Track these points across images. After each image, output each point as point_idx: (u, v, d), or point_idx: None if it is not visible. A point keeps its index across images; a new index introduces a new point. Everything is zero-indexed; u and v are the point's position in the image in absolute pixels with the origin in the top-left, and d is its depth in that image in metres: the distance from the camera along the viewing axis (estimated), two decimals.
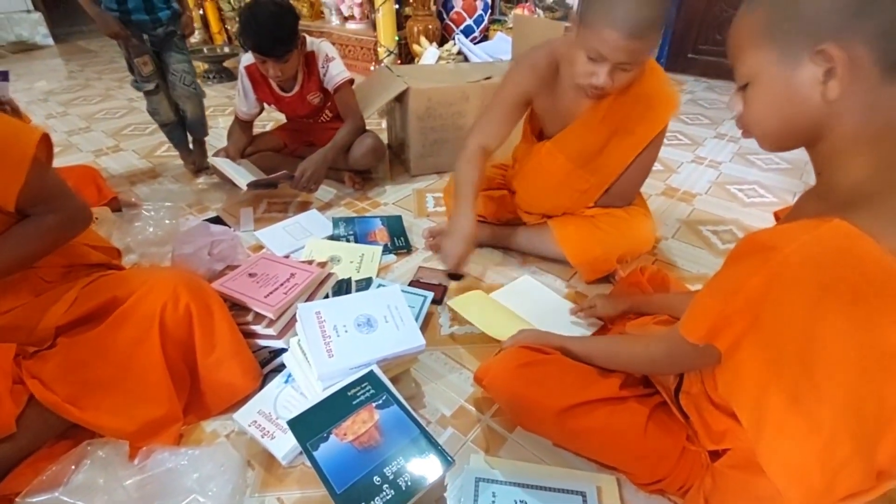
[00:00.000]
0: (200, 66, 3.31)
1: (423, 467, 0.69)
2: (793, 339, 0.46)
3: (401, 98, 1.84)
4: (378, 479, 0.67)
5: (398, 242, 1.45)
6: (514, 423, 0.90)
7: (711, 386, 0.69)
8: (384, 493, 0.65)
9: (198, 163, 1.95)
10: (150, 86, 1.76)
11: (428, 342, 1.10)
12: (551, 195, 1.28)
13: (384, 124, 2.27)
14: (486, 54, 2.83)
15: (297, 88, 1.68)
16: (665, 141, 2.05)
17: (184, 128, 1.91)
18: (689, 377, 0.75)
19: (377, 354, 0.87)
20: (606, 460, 0.80)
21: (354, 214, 1.66)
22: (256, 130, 1.92)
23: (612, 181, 1.22)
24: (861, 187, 0.46)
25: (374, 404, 0.78)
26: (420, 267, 1.36)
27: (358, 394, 0.79)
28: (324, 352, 0.86)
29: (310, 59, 1.63)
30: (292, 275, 1.09)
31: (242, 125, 1.80)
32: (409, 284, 1.27)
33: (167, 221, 1.45)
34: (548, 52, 1.13)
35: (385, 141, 2.19)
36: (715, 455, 0.72)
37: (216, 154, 1.73)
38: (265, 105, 1.79)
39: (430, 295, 1.20)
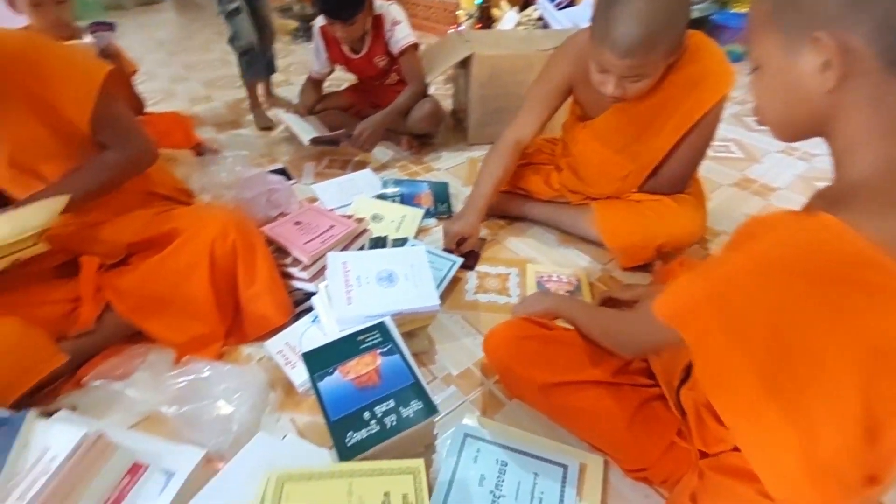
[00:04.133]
0: (290, 24, 3.49)
1: (410, 412, 0.75)
2: (765, 328, 0.45)
3: (465, 64, 1.84)
4: (368, 415, 0.74)
5: (440, 208, 1.49)
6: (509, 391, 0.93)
7: None
8: (370, 427, 0.72)
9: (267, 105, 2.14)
10: (234, 5, 1.81)
11: (450, 305, 1.16)
12: (592, 180, 1.25)
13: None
14: (568, 21, 2.68)
15: (364, 50, 1.73)
16: (755, 126, 1.88)
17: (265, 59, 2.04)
18: (696, 374, 0.73)
19: (391, 308, 0.93)
20: (590, 440, 0.81)
21: (406, 177, 1.71)
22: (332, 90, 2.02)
23: (652, 167, 1.16)
24: (862, 183, 0.43)
25: (378, 351, 0.84)
26: None
27: (367, 339, 0.86)
28: (344, 298, 0.94)
29: (377, 22, 1.67)
30: (332, 226, 1.18)
31: (313, 83, 1.90)
32: (444, 249, 1.31)
33: (238, 168, 1.60)
34: (585, 41, 1.09)
35: (452, 107, 2.21)
36: (704, 454, 0.70)
37: (287, 110, 1.86)
38: (336, 66, 1.87)
39: (460, 260, 1.23)
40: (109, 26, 1.46)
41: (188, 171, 1.55)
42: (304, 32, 3.46)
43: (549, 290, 1.16)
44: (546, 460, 0.80)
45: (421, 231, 1.43)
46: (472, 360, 1.03)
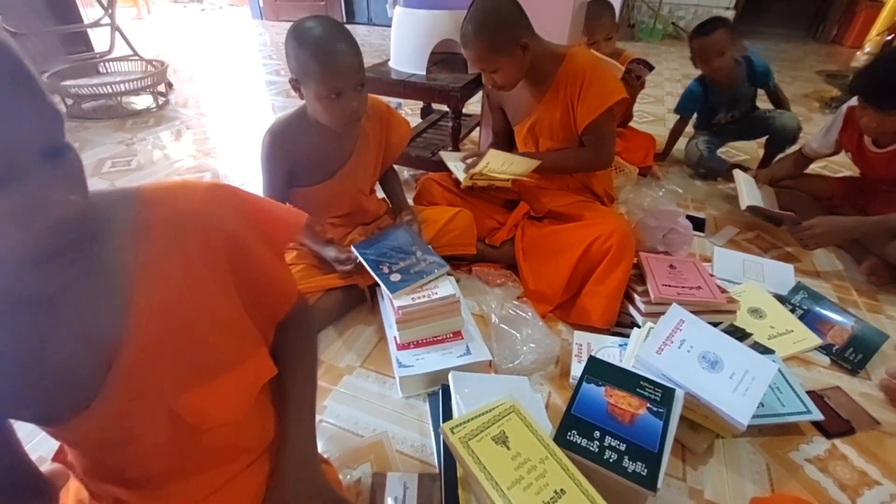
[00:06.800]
0: (831, 91, 3.10)
1: (630, 468, 0.75)
2: None
3: None
4: (598, 434, 0.80)
5: (849, 355, 1.16)
6: None
7: None
8: (591, 444, 0.78)
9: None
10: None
11: (771, 452, 0.95)
12: None
13: None
14: None
15: (894, 146, 1.42)
16: None
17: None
18: None
19: (690, 387, 0.89)
20: None
21: (833, 299, 1.38)
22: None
23: None
24: None
25: (648, 405, 0.85)
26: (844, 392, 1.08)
27: (647, 388, 0.88)
28: (657, 347, 0.96)
29: None
30: (699, 288, 1.16)
31: (802, 159, 1.72)
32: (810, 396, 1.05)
33: (662, 200, 1.72)
34: None
35: None
36: None
37: (744, 169, 1.80)
38: (842, 152, 1.62)
39: (817, 415, 0.97)
40: (648, 67, 1.82)
41: (624, 182, 1.80)
42: (838, 106, 3.01)
43: None
44: None
45: (799, 360, 1.17)
46: (734, 501, 0.86)
